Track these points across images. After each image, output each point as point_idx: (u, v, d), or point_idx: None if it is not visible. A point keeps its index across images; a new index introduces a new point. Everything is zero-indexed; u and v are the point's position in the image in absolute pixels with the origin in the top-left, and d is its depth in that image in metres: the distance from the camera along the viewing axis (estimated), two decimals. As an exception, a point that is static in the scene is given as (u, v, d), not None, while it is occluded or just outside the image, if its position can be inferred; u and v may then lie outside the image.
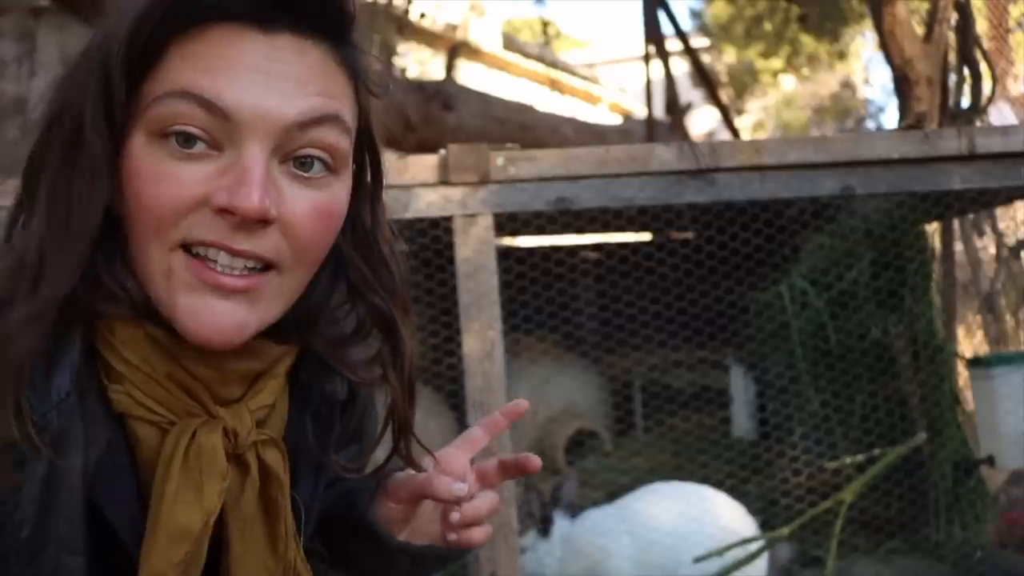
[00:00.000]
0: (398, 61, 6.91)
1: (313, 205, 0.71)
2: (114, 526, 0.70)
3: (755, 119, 13.89)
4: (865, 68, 13.06)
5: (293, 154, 0.70)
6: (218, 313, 0.69)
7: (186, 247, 0.69)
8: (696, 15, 9.89)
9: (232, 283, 0.69)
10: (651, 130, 6.27)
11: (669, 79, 6.22)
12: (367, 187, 0.79)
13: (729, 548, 2.52)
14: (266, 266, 0.70)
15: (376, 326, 0.80)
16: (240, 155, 0.68)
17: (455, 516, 0.83)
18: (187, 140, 0.67)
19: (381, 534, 0.85)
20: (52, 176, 0.69)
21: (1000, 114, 4.08)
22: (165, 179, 0.67)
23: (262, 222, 0.68)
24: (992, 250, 4.13)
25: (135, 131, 0.69)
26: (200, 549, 0.71)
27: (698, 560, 2.48)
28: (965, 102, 3.82)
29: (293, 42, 0.70)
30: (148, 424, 0.71)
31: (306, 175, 0.71)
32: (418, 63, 8.91)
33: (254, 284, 0.70)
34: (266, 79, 0.68)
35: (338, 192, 0.73)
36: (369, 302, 0.79)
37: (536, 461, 0.88)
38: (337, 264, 0.79)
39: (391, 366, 0.80)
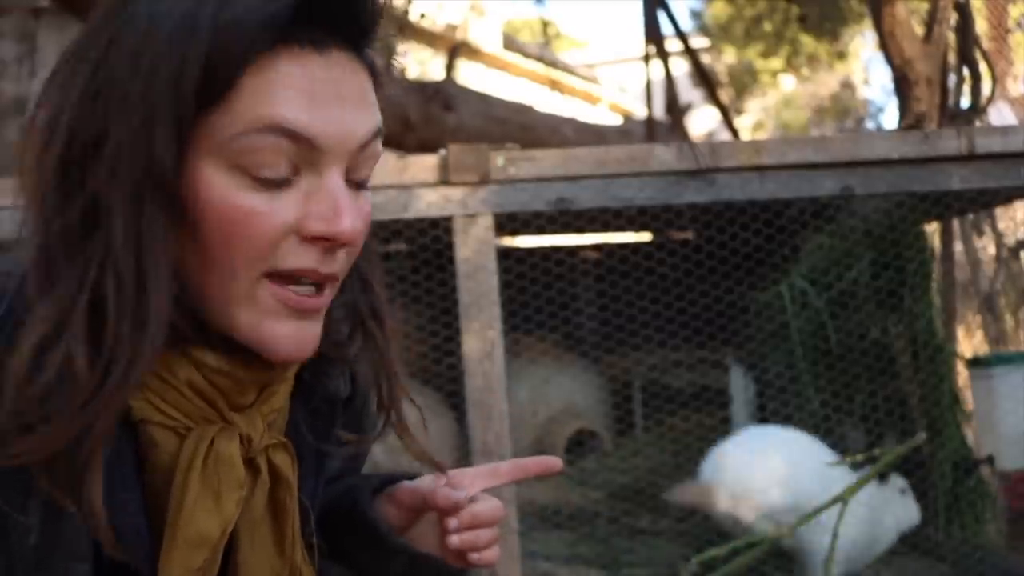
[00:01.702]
0: (398, 61, 6.90)
1: (363, 215, 0.73)
2: (118, 531, 0.70)
3: (755, 119, 13.90)
4: (865, 68, 13.08)
5: (354, 171, 0.72)
6: (301, 333, 0.71)
7: (272, 276, 0.69)
8: (696, 15, 9.90)
9: (314, 304, 0.71)
10: (651, 130, 6.27)
11: (669, 79, 6.23)
12: None
13: (733, 547, 2.52)
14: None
15: (362, 311, 0.82)
16: (323, 180, 0.69)
17: (452, 523, 0.82)
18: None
19: (382, 531, 0.85)
20: (125, 211, 0.65)
21: (1000, 114, 4.08)
22: (256, 214, 0.67)
23: (352, 244, 0.71)
24: (992, 250, 4.14)
25: (206, 161, 0.67)
26: (216, 555, 0.71)
27: (700, 559, 2.48)
28: (965, 102, 3.82)
29: (342, 59, 0.70)
30: (166, 429, 0.72)
31: (358, 187, 0.73)
32: (418, 63, 8.92)
33: (327, 301, 0.73)
34: (339, 102, 0.69)
35: (369, 195, 0.76)
36: (352, 289, 0.81)
37: (558, 462, 0.89)
38: None
39: (370, 319, 0.81)
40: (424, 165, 2.38)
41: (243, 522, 0.74)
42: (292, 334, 0.70)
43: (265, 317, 0.70)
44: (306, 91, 0.67)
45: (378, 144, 0.73)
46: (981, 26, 4.26)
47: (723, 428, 3.81)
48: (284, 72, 0.67)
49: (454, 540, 0.82)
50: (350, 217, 0.69)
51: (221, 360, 0.72)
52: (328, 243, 0.69)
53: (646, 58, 6.37)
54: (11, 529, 0.66)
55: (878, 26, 3.83)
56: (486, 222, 2.37)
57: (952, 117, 3.71)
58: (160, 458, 0.72)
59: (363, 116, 0.70)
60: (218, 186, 0.67)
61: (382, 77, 0.76)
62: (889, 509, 2.70)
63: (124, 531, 0.70)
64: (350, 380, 0.85)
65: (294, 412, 0.81)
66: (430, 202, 2.36)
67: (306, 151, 0.68)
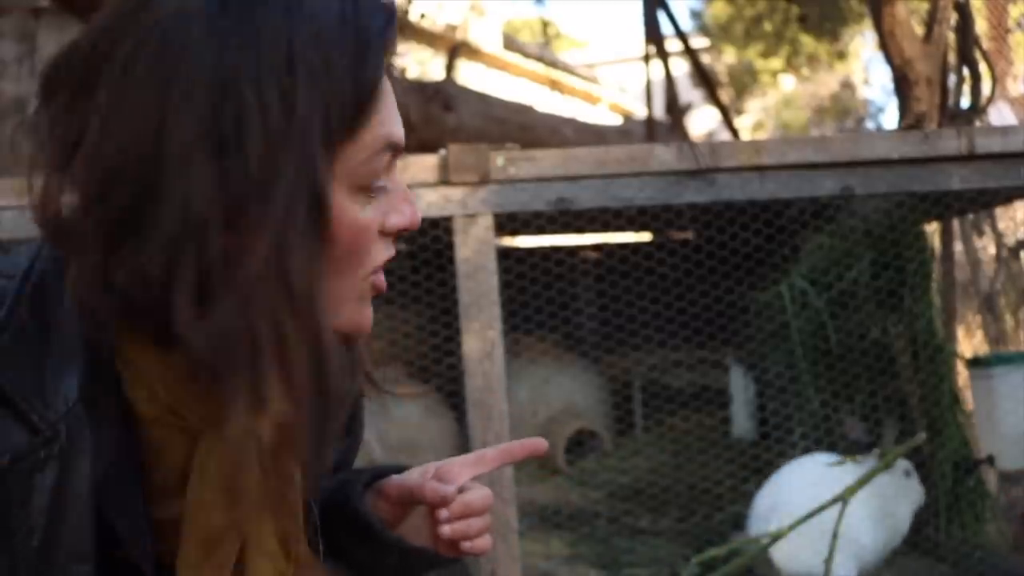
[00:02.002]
0: (398, 61, 6.91)
1: None
2: (119, 531, 0.70)
3: (755, 119, 13.90)
4: (865, 68, 13.08)
5: None
6: (371, 311, 0.78)
7: (375, 271, 0.75)
8: (696, 15, 9.91)
9: (386, 284, 0.78)
10: (651, 130, 6.28)
11: (669, 79, 6.23)
12: None
13: (733, 547, 2.52)
14: None
15: None
16: (391, 180, 0.74)
17: (443, 514, 0.83)
18: None
19: (375, 526, 0.85)
20: (301, 251, 0.64)
21: (999, 114, 4.08)
22: (368, 227, 0.72)
23: None
24: (991, 250, 4.14)
25: (336, 186, 0.68)
26: (234, 550, 0.73)
27: (700, 559, 2.48)
28: (965, 102, 3.82)
29: None
30: (173, 429, 0.72)
31: None
32: (418, 63, 8.92)
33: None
34: (397, 108, 0.75)
35: None
36: None
37: (543, 443, 0.90)
38: None
39: None
40: (424, 165, 2.38)
41: None
42: (370, 312, 0.77)
43: (364, 305, 0.75)
44: (393, 103, 0.73)
45: None
46: (981, 26, 4.26)
47: (723, 428, 3.82)
48: (383, 91, 0.71)
49: (446, 530, 0.83)
50: (414, 207, 0.75)
51: None
52: (405, 233, 0.75)
53: (646, 58, 6.38)
54: (15, 530, 0.66)
55: (878, 26, 3.83)
56: (486, 222, 2.37)
57: (952, 117, 3.71)
58: (168, 457, 0.72)
59: None
60: (348, 209, 0.70)
61: None
62: (900, 495, 2.72)
63: (125, 527, 0.70)
64: None
65: None
66: (430, 202, 2.36)
67: (395, 158, 0.74)
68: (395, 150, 0.72)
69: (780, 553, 2.52)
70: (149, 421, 0.71)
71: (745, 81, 11.12)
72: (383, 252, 0.74)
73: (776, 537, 2.52)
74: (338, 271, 0.71)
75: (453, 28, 9.62)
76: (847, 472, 2.60)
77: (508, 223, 2.79)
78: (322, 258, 0.66)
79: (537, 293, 3.24)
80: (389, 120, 0.71)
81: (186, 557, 0.70)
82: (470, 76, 9.52)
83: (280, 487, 0.76)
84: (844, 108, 12.93)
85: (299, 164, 0.63)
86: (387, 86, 0.72)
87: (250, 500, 0.72)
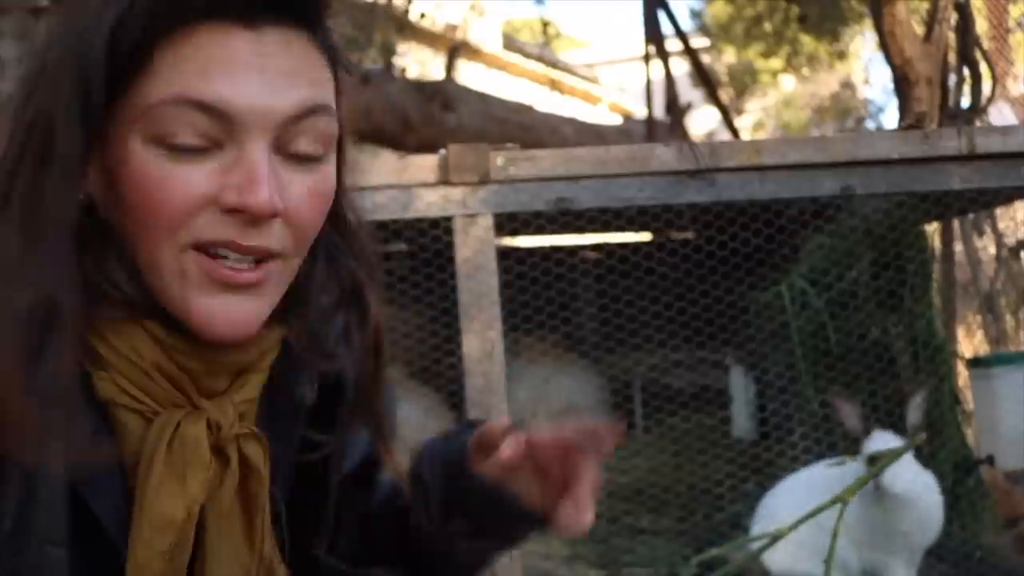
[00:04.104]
0: (398, 61, 6.91)
1: (309, 189, 0.72)
2: (98, 516, 0.70)
3: (755, 119, 13.88)
4: (865, 68, 13.07)
5: (289, 145, 0.72)
6: (232, 310, 0.70)
7: (197, 247, 0.70)
8: (696, 15, 9.90)
9: (246, 278, 0.70)
10: (651, 130, 6.28)
11: (669, 79, 6.23)
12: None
13: (728, 548, 2.52)
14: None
15: (346, 291, 0.81)
16: (243, 152, 0.69)
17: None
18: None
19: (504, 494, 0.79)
20: (25, 181, 0.68)
21: (1000, 114, 4.08)
22: (172, 182, 0.68)
23: (270, 216, 0.70)
24: (992, 250, 4.14)
25: (128, 136, 0.68)
26: (186, 538, 0.71)
27: (700, 559, 2.47)
28: (965, 102, 3.82)
29: (278, 34, 0.70)
30: (133, 413, 0.72)
31: (300, 160, 0.73)
32: (418, 63, 8.91)
33: (264, 275, 0.71)
34: (260, 76, 0.69)
35: (328, 172, 0.75)
36: (340, 266, 0.81)
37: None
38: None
39: (358, 330, 0.80)
40: (424, 165, 2.38)
41: (212, 512, 0.73)
42: (222, 309, 0.70)
43: (194, 290, 0.70)
44: (224, 64, 0.68)
45: (320, 120, 0.72)
46: (981, 26, 4.27)
47: (723, 428, 3.81)
48: (201, 46, 0.68)
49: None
50: (268, 188, 0.68)
51: (175, 336, 0.71)
52: (244, 215, 0.68)
53: (646, 58, 6.37)
54: None
55: (878, 26, 3.83)
56: (486, 222, 2.37)
57: (952, 117, 3.71)
58: (129, 442, 0.72)
59: (289, 90, 0.70)
60: (142, 159, 0.68)
61: (345, 62, 0.77)
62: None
63: (104, 511, 0.70)
64: (317, 386, 0.83)
65: (268, 409, 0.80)
66: (430, 202, 2.36)
67: (223, 123, 0.68)
68: (206, 111, 0.67)
69: (772, 560, 2.50)
70: (110, 403, 0.71)
71: (745, 81, 11.12)
72: (211, 228, 0.69)
73: (777, 537, 2.51)
74: (140, 229, 0.69)
75: (453, 28, 9.61)
76: (848, 474, 2.58)
77: (508, 223, 2.79)
78: (51, 186, 0.68)
79: (537, 293, 3.24)
80: (194, 77, 0.67)
81: (137, 540, 0.69)
82: (470, 76, 9.51)
83: (244, 479, 0.75)
84: (844, 108, 12.93)
85: (49, 92, 0.69)
86: (223, 47, 0.68)
87: (199, 488, 0.71)
